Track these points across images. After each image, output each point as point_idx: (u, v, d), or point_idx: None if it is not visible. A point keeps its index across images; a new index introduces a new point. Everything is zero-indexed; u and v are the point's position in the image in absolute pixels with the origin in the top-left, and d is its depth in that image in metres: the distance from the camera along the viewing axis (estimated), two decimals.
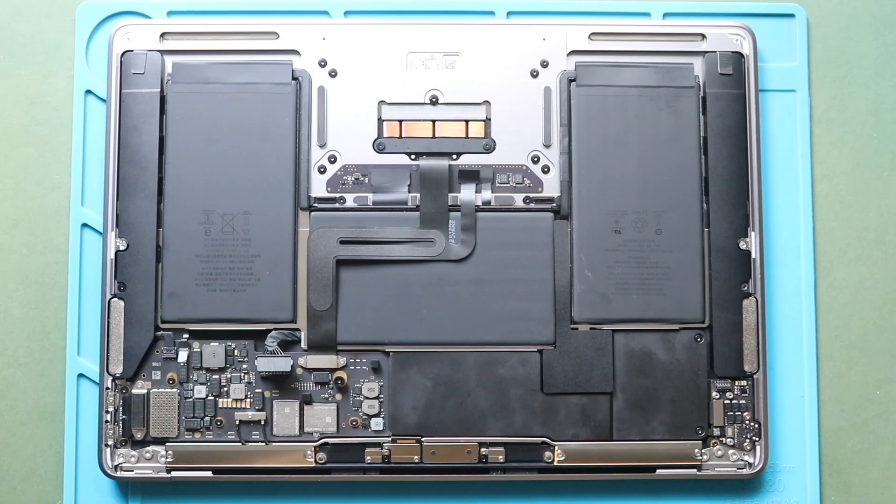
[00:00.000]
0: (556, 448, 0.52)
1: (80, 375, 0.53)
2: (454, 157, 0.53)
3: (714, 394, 0.52)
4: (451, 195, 0.53)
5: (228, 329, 0.52)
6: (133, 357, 0.52)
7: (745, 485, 0.53)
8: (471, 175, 0.53)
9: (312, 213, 0.52)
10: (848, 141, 0.55)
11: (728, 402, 0.52)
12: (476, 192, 0.53)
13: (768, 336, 0.53)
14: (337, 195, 0.53)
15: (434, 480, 0.52)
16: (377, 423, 0.52)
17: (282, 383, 0.52)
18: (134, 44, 0.53)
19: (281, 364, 0.51)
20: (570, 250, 0.52)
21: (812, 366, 0.54)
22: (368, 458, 0.51)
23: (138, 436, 0.51)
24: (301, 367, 0.52)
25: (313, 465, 0.52)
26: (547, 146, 0.53)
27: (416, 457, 0.51)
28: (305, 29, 0.53)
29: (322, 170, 0.53)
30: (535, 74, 0.53)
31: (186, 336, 0.52)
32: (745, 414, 0.52)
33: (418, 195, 0.53)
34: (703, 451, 0.52)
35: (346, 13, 0.55)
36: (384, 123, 0.53)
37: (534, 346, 0.52)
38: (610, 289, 0.52)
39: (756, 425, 0.52)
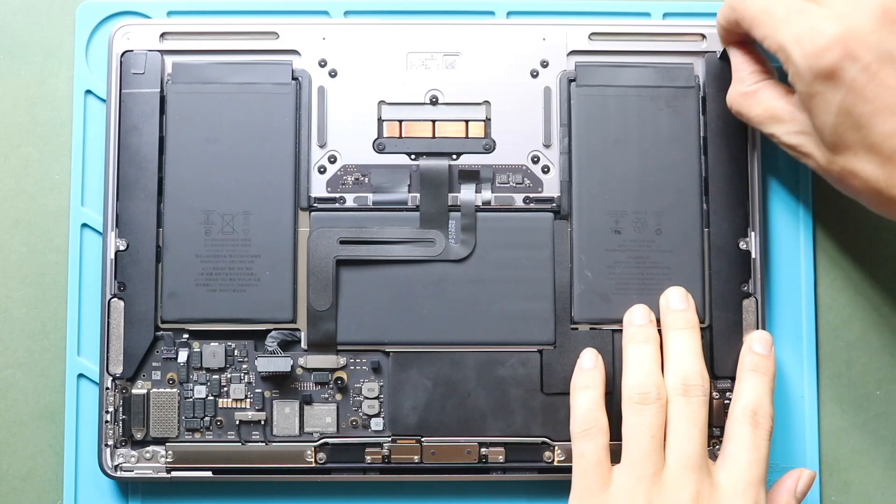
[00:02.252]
0: (556, 448, 0.52)
1: (80, 375, 0.53)
2: (454, 157, 0.53)
3: (714, 394, 0.52)
4: (451, 195, 0.53)
5: (228, 329, 0.52)
6: (133, 357, 0.52)
7: None
8: (471, 175, 0.53)
9: (312, 213, 0.52)
10: None
11: (728, 402, 0.52)
12: (476, 192, 0.53)
13: None
14: (337, 195, 0.53)
15: (434, 480, 0.52)
16: (377, 423, 0.52)
17: (282, 383, 0.52)
18: (134, 44, 0.53)
19: (281, 364, 0.51)
20: (570, 250, 0.52)
21: (812, 366, 0.54)
22: (368, 458, 0.52)
23: (138, 436, 0.51)
24: (301, 367, 0.52)
25: (313, 465, 0.52)
26: (547, 146, 0.53)
27: (416, 457, 0.51)
28: (305, 29, 0.53)
29: (322, 170, 0.53)
30: (535, 74, 0.53)
31: (186, 336, 0.52)
32: None
33: (418, 195, 0.53)
34: None
35: (346, 13, 0.55)
36: (384, 123, 0.53)
37: (534, 346, 0.52)
38: (610, 289, 0.52)
39: None
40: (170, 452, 0.52)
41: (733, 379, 0.51)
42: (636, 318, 0.51)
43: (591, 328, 0.52)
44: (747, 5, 0.48)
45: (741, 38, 0.50)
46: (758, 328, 0.52)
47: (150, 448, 0.52)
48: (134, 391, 0.52)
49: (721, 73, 0.53)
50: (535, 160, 0.53)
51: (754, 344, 0.50)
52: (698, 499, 0.46)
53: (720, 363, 0.52)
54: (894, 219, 0.46)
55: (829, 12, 0.44)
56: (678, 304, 0.51)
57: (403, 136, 0.53)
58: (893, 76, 0.43)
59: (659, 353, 0.50)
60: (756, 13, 0.47)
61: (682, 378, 0.49)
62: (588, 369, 0.50)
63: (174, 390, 0.52)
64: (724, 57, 0.52)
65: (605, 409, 0.49)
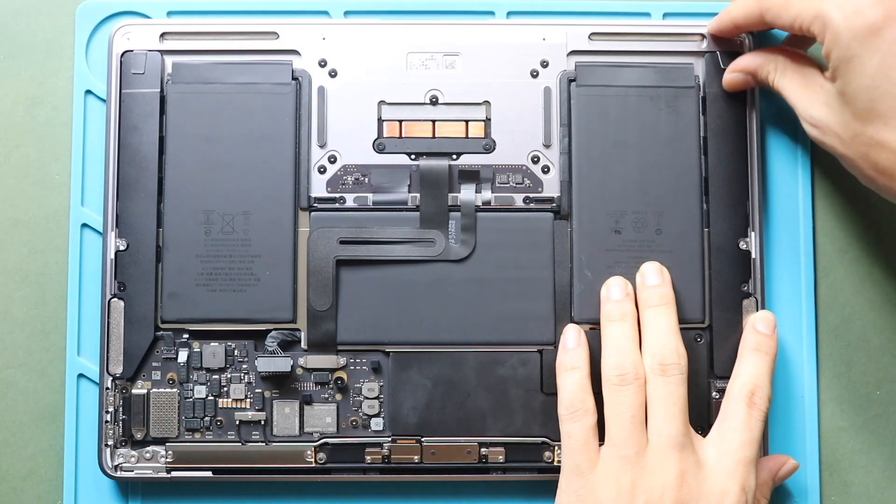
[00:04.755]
0: (556, 448, 0.52)
1: (80, 375, 0.53)
2: (454, 157, 0.53)
3: (714, 394, 0.52)
4: (451, 195, 0.53)
5: (228, 329, 0.52)
6: (133, 357, 0.52)
7: None
8: (471, 175, 0.53)
9: (312, 213, 0.52)
10: None
11: None
12: (476, 192, 0.53)
13: None
14: (337, 195, 0.53)
15: (434, 480, 0.52)
16: (377, 423, 0.52)
17: (282, 383, 0.52)
18: (134, 44, 0.53)
19: (281, 364, 0.51)
20: (570, 250, 0.52)
21: (812, 365, 0.54)
22: (368, 458, 0.52)
23: (138, 436, 0.51)
24: (301, 367, 0.52)
25: (313, 465, 0.52)
26: (547, 146, 0.53)
27: (416, 457, 0.51)
28: (305, 29, 0.53)
29: (322, 170, 0.53)
30: (535, 74, 0.53)
31: (186, 336, 0.52)
32: None
33: (418, 195, 0.53)
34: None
35: (346, 13, 0.55)
36: (384, 123, 0.53)
37: (534, 346, 0.52)
38: None
39: None
40: (170, 452, 0.52)
41: None
42: (613, 293, 0.50)
43: (591, 328, 0.52)
44: None
45: (747, 32, 0.51)
46: None
47: (150, 448, 0.52)
48: (134, 391, 0.52)
49: (721, 73, 0.53)
50: (535, 160, 0.53)
51: (758, 323, 0.50)
52: (683, 477, 0.46)
53: (720, 363, 0.52)
54: None
55: None
56: (653, 279, 0.50)
57: (403, 136, 0.53)
58: None
59: (636, 329, 0.49)
60: None
61: (658, 357, 0.48)
62: (572, 349, 0.50)
63: (174, 390, 0.52)
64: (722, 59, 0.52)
65: (593, 388, 0.49)
